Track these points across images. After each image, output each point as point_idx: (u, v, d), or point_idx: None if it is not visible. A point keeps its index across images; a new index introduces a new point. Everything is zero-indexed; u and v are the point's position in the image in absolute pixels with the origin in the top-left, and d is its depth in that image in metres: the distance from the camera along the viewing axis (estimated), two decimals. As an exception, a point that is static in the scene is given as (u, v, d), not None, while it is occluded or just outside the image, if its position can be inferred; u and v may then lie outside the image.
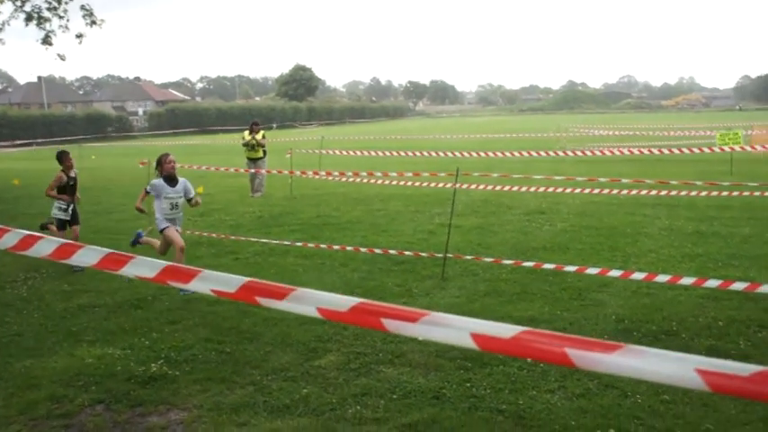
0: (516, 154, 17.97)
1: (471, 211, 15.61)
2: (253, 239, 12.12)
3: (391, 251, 10.49)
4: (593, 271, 8.28)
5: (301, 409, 5.50)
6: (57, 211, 10.93)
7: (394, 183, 16.42)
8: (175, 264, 2.81)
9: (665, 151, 18.27)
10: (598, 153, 19.97)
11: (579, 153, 18.99)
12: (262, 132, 20.26)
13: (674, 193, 15.62)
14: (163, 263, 2.75)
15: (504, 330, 2.10)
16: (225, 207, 17.38)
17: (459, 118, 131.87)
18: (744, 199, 15.88)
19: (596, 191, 15.77)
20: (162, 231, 9.24)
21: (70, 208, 10.95)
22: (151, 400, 5.75)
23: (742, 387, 1.75)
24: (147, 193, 9.24)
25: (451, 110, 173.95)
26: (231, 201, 18.72)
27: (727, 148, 20.31)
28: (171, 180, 9.26)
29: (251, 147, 19.95)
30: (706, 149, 19.43)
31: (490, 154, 18.46)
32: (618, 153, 18.85)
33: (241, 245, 11.95)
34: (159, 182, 9.21)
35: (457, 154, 19.91)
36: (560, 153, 20.02)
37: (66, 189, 10.89)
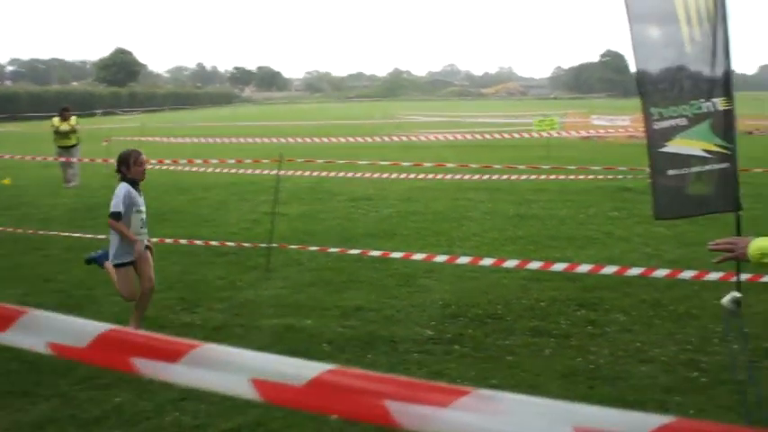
0: (342, 140, 17.83)
1: (297, 198, 15.28)
2: (64, 234, 11.20)
3: (213, 242, 9.99)
4: (419, 257, 8.20)
5: (114, 421, 4.98)
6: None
7: (217, 170, 15.80)
8: None
9: (488, 136, 18.75)
10: (423, 139, 20.22)
11: (405, 139, 19.13)
12: (74, 118, 18.98)
13: (495, 177, 16.07)
14: None
15: (302, 371, 1.52)
16: (34, 200, 16.07)
17: (287, 105, 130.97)
18: (560, 182, 16.56)
19: (421, 176, 15.94)
20: (123, 266, 6.64)
21: None
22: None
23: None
24: (119, 218, 6.52)
25: (279, 97, 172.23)
26: (42, 193, 17.36)
27: (544, 134, 21.18)
28: (136, 186, 6.77)
29: (63, 134, 18.63)
30: (525, 135, 20.18)
31: (316, 140, 18.22)
32: (442, 138, 19.18)
33: (50, 240, 11.01)
34: (128, 188, 6.62)
35: (282, 140, 19.51)
36: (386, 139, 20.12)
37: None
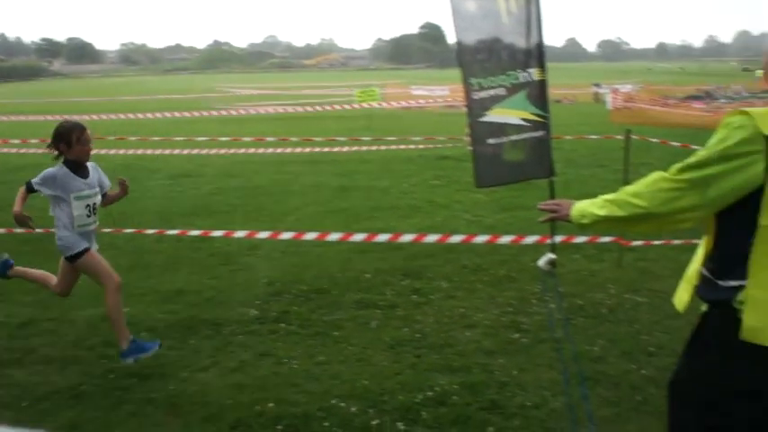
0: (159, 115, 17.04)
1: (111, 177, 14.41)
2: None
3: (18, 230, 9.19)
4: (240, 234, 7.91)
5: None
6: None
7: (22, 151, 14.65)
8: None
9: (309, 109, 18.58)
10: (243, 112, 19.74)
11: (225, 113, 18.57)
12: None
13: (317, 149, 15.95)
14: None
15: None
16: None
17: (100, 78, 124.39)
18: (381, 153, 16.71)
19: (242, 150, 15.54)
20: (75, 258, 5.46)
21: None
22: None
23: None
24: (32, 191, 5.34)
25: (92, 70, 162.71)
26: None
27: (365, 105, 21.31)
28: (79, 168, 5.40)
29: None
30: (347, 106, 20.21)
31: (131, 116, 17.31)
32: (263, 112, 18.80)
33: None
34: (62, 171, 5.31)
35: (95, 117, 18.38)
36: (206, 113, 19.43)
37: None
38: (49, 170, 5.31)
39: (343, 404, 4.60)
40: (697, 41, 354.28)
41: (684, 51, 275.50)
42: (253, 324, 6.09)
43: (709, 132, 2.44)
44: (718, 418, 2.49)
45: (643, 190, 2.51)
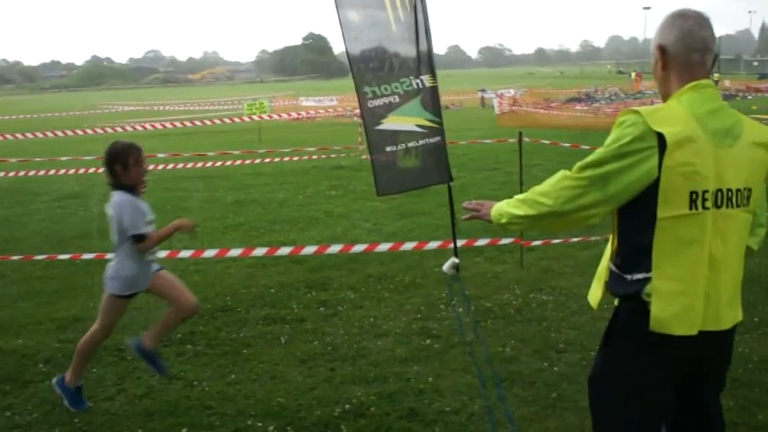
0: (41, 135, 16.35)
1: (-9, 201, 13.73)
2: None
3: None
4: (137, 255, 7.62)
5: None
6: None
7: None
8: None
9: (198, 123, 18.20)
10: (130, 129, 19.18)
11: (110, 130, 17.97)
12: None
13: (209, 164, 15.66)
14: None
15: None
16: None
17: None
18: (275, 165, 16.56)
19: (132, 168, 15.07)
20: (126, 297, 4.88)
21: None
22: None
23: None
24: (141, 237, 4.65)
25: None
26: None
27: (255, 117, 21.10)
28: (134, 192, 4.76)
29: None
30: (236, 119, 19.94)
31: (9, 137, 16.52)
32: (151, 128, 18.32)
33: None
34: (130, 197, 4.69)
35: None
36: (90, 132, 18.72)
37: None
38: (124, 204, 4.62)
39: (259, 424, 4.48)
40: (573, 46, 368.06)
41: (562, 56, 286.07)
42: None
43: (593, 132, 2.52)
44: (639, 409, 2.57)
45: (549, 189, 2.56)
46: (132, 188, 4.72)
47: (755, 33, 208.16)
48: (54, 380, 4.90)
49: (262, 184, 14.75)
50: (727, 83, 47.45)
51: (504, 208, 2.74)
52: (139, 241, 4.61)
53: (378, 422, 4.43)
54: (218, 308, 6.84)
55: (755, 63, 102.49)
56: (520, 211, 2.65)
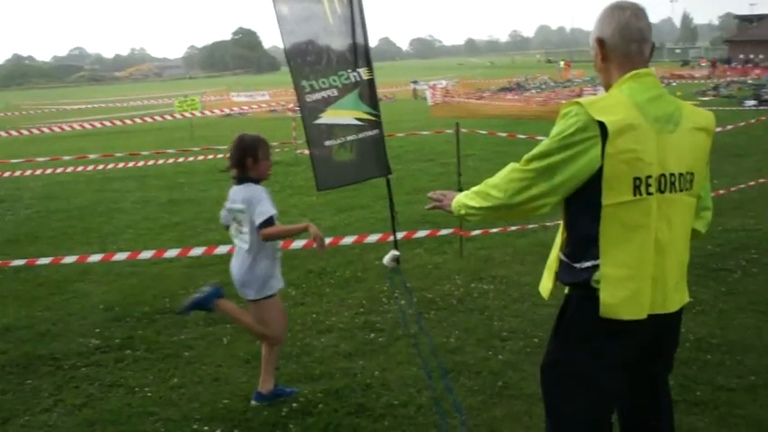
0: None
1: None
2: None
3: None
4: (69, 259, 7.39)
5: None
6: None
7: None
8: None
9: (129, 122, 17.79)
10: (57, 129, 18.62)
11: (36, 131, 17.42)
12: None
13: (141, 163, 15.34)
14: None
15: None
16: None
17: None
18: (209, 162, 16.30)
19: (60, 170, 14.67)
20: (269, 299, 4.62)
21: None
22: None
23: None
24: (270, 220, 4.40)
25: None
26: None
27: (187, 114, 20.77)
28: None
29: None
30: (168, 117, 19.59)
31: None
32: (79, 127, 17.82)
33: None
34: (261, 188, 4.54)
35: None
36: (14, 133, 18.07)
37: None
38: (256, 192, 4.44)
39: (206, 427, 4.40)
40: (503, 36, 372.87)
41: (492, 46, 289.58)
42: (95, 354, 5.71)
43: (525, 121, 2.55)
44: (591, 393, 2.62)
45: (499, 181, 2.61)
46: (257, 182, 4.57)
47: (677, 22, 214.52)
48: (253, 399, 4.71)
49: (196, 183, 14.52)
50: (652, 70, 48.68)
51: (462, 200, 2.80)
52: (266, 226, 4.36)
53: (326, 419, 4.40)
54: (157, 310, 6.70)
55: (678, 51, 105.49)
56: (475, 203, 2.71)
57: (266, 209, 4.38)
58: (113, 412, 4.69)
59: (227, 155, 4.58)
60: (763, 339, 5.36)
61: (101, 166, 14.98)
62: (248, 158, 4.51)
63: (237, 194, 4.50)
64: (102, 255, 7.52)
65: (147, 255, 7.34)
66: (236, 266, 4.60)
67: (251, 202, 4.41)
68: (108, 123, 17.77)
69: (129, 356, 5.63)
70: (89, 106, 41.58)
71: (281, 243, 4.74)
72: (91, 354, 5.71)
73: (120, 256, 7.35)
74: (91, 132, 24.88)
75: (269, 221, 4.36)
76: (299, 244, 7.41)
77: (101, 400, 4.90)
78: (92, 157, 15.30)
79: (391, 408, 4.50)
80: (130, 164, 15.30)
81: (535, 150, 2.51)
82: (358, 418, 4.39)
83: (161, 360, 5.53)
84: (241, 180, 4.53)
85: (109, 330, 6.23)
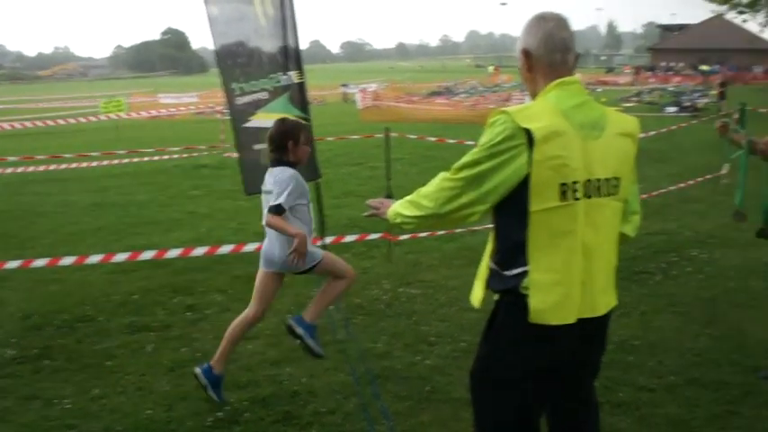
0: None
1: None
2: None
3: None
4: (-15, 266, 7.13)
5: None
6: None
7: None
8: None
9: (51, 123, 17.26)
10: (-27, 130, 17.99)
11: (-49, 132, 16.81)
12: None
13: (63, 166, 14.92)
14: None
15: None
16: None
17: None
18: (134, 165, 15.99)
19: (-24, 173, 14.18)
20: (321, 262, 4.95)
21: None
22: None
23: None
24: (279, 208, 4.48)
25: None
26: None
27: (112, 116, 20.37)
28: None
29: None
30: (93, 118, 19.16)
31: None
32: (-3, 128, 17.25)
33: None
34: (294, 171, 4.66)
35: None
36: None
37: None
38: (285, 175, 4.54)
39: (128, 439, 4.29)
40: (433, 41, 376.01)
41: (422, 50, 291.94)
42: (10, 365, 5.49)
43: (454, 126, 2.57)
44: (519, 399, 2.65)
45: (430, 191, 2.64)
46: (294, 166, 4.67)
47: (603, 30, 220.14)
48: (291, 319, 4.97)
49: (121, 186, 14.19)
50: (577, 76, 49.79)
51: (398, 209, 2.82)
52: (275, 213, 4.47)
53: (253, 428, 4.34)
54: (78, 318, 6.51)
55: (603, 57, 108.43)
56: (408, 212, 2.74)
57: (283, 198, 4.47)
58: (30, 426, 4.52)
59: (268, 139, 4.69)
60: (682, 340, 5.53)
61: (20, 169, 14.51)
62: (289, 141, 4.62)
63: (271, 176, 4.64)
64: (20, 261, 7.25)
65: (68, 261, 7.11)
66: (278, 248, 4.76)
67: (279, 183, 4.52)
68: (29, 124, 17.22)
69: (47, 367, 5.44)
70: (8, 106, 40.24)
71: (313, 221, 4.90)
72: (6, 365, 5.50)
73: (40, 263, 7.10)
74: (10, 133, 24.05)
75: (278, 209, 4.46)
76: (225, 249, 7.31)
77: (16, 413, 4.72)
78: (10, 159, 14.79)
79: (318, 415, 4.47)
80: (52, 166, 14.85)
81: (464, 159, 2.54)
82: (285, 427, 4.35)
83: (81, 370, 5.36)
84: (279, 162, 4.65)
85: (26, 340, 6.01)
